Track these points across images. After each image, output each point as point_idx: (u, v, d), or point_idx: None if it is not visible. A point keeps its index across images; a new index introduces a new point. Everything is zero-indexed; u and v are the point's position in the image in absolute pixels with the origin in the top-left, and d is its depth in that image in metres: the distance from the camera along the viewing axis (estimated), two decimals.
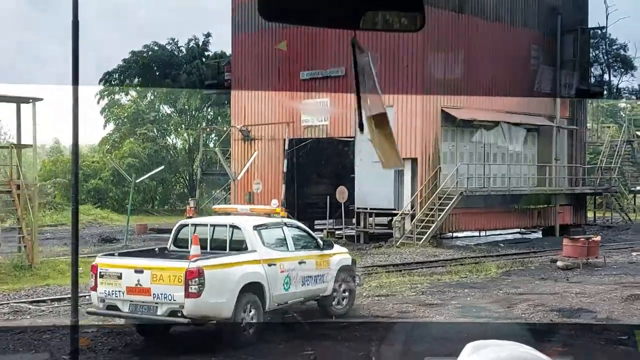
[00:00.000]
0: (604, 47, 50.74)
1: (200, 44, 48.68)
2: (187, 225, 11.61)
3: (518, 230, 30.08)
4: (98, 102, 50.35)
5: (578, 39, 30.52)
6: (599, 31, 43.54)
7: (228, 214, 12.20)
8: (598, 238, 18.83)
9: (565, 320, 11.88)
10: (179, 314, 9.57)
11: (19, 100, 20.08)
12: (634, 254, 21.31)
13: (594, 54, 43.67)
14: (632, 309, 12.43)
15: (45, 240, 26.93)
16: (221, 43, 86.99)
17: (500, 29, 28.17)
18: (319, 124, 28.56)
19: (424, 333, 11.01)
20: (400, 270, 17.97)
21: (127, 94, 51.49)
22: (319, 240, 11.94)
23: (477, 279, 16.44)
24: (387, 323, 11.54)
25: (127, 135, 48.75)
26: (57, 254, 22.15)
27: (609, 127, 43.41)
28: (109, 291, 10.08)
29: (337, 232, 27.65)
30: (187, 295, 9.44)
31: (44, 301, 14.24)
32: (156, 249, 11.82)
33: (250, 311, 10.15)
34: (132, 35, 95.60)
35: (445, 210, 24.53)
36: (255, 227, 10.84)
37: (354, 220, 27.26)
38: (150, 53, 47.78)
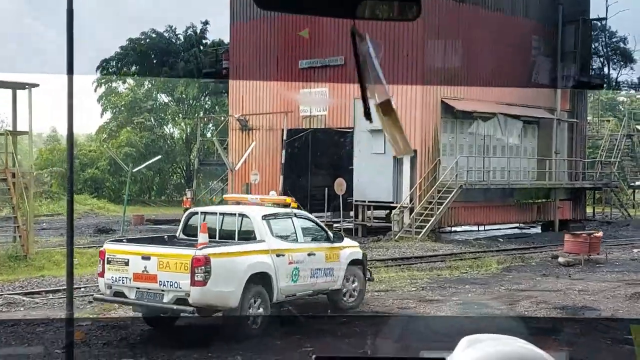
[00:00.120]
0: (604, 39, 50.47)
1: (198, 31, 48.30)
2: (196, 213, 11.52)
3: (517, 225, 29.90)
4: (95, 90, 50.04)
5: (579, 30, 30.25)
6: (599, 23, 43.23)
7: (239, 203, 12.11)
8: (600, 234, 18.63)
9: (560, 314, 11.75)
10: (185, 302, 9.46)
11: (14, 86, 19.77)
12: (635, 250, 21.13)
13: (593, 46, 43.37)
14: (636, 307, 12.25)
15: (41, 231, 26.68)
16: (219, 31, 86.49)
17: (500, 19, 27.90)
18: (318, 114, 28.31)
19: (419, 327, 10.95)
20: (400, 265, 17.77)
21: (124, 82, 51.13)
22: (329, 232, 11.77)
23: (477, 275, 16.25)
24: (382, 317, 11.40)
25: (124, 124, 48.45)
26: (53, 245, 21.93)
27: (609, 120, 43.20)
28: (116, 277, 9.99)
29: (334, 225, 27.39)
30: (193, 283, 9.33)
31: (38, 293, 14.02)
32: (165, 237, 11.79)
33: (256, 302, 10.03)
34: (129, 23, 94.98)
35: (444, 204, 24.31)
36: (264, 217, 10.72)
37: (351, 213, 27.03)
38: (147, 41, 47.39)
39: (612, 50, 51.45)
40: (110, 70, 48.53)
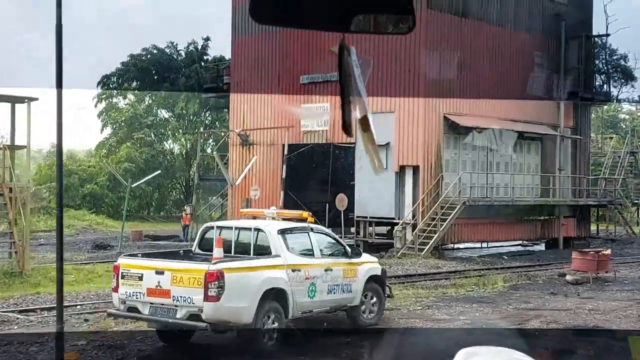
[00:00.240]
0: (604, 56, 50.38)
1: (199, 47, 48.18)
2: (212, 228, 11.40)
3: (520, 242, 29.53)
4: (95, 106, 49.86)
5: (583, 46, 30.08)
6: (599, 41, 43.12)
7: (255, 217, 11.95)
8: (608, 251, 18.25)
9: (557, 325, 11.43)
10: (198, 318, 9.30)
11: (13, 100, 19.47)
12: None
13: (595, 63, 43.22)
14: None
15: (38, 247, 26.32)
16: (220, 48, 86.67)
17: (503, 34, 27.71)
18: (319, 129, 28.03)
19: (416, 340, 10.72)
20: (403, 282, 17.39)
21: (124, 98, 50.97)
22: (347, 247, 11.57)
23: (484, 293, 15.87)
24: (380, 330, 11.11)
25: (124, 139, 48.23)
26: (49, 261, 21.51)
27: (611, 137, 42.97)
28: (130, 292, 9.85)
29: None
30: (207, 298, 9.17)
31: (33, 310, 13.63)
32: (181, 251, 11.74)
33: (271, 318, 9.86)
34: (131, 39, 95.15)
35: (447, 220, 23.96)
36: (280, 232, 10.58)
37: (352, 229, 26.66)
38: (149, 56, 47.27)
39: (612, 67, 51.34)
40: (111, 86, 48.37)
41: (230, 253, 10.60)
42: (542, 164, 29.75)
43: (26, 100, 19.09)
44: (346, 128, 1.96)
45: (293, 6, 1.89)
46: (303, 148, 28.65)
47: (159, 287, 9.52)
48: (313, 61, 27.61)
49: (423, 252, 23.16)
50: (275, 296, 9.92)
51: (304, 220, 11.54)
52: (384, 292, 11.96)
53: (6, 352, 10.44)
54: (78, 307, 13.99)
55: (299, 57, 28.17)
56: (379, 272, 11.90)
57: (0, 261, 19.20)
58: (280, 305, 9.98)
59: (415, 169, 25.21)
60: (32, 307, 13.93)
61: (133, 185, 31.73)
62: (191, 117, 51.54)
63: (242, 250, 10.73)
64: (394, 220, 25.44)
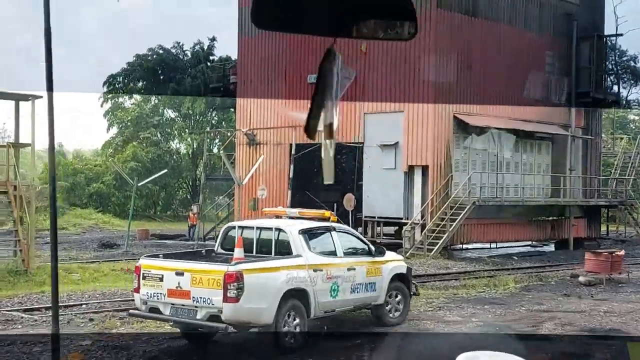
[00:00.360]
0: (614, 57, 49.98)
1: (205, 48, 47.97)
2: (234, 227, 11.38)
3: (529, 243, 29.21)
4: (102, 106, 49.75)
5: (594, 46, 29.72)
6: (612, 40, 42.70)
7: (278, 216, 11.85)
8: (622, 252, 17.92)
9: (558, 330, 11.25)
10: (218, 319, 9.29)
11: (17, 98, 19.28)
12: None
13: (606, 63, 42.82)
14: None
15: (44, 245, 26.13)
16: (226, 48, 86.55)
17: (514, 34, 27.38)
18: None
19: (416, 344, 10.62)
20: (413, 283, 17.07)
21: (130, 98, 50.84)
22: (370, 246, 11.49)
23: (495, 294, 15.58)
24: (379, 334, 10.91)
25: (130, 139, 48.10)
26: None
27: (621, 138, 42.57)
28: (151, 293, 9.87)
29: None
30: (226, 299, 9.14)
31: (38, 309, 13.43)
32: (203, 251, 11.75)
33: (293, 318, 9.82)
34: (136, 39, 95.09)
35: (457, 221, 23.68)
36: (302, 232, 10.53)
37: (360, 229, 26.36)
38: (155, 56, 47.09)
39: (622, 68, 50.94)
40: (117, 86, 48.21)
41: (252, 253, 10.58)
42: (553, 164, 29.42)
43: (30, 97, 18.88)
44: (309, 130, 1.96)
45: (295, 11, 1.88)
46: (310, 147, 28.38)
47: (179, 288, 9.53)
48: (320, 60, 27.32)
49: (432, 253, 22.89)
50: (296, 296, 9.87)
51: (326, 219, 11.40)
52: (410, 290, 11.92)
53: (9, 352, 10.23)
54: (83, 306, 13.79)
55: (306, 56, 27.91)
56: (404, 270, 11.85)
57: (5, 260, 19.03)
58: (302, 304, 9.93)
59: (425, 169, 24.92)
60: (37, 306, 13.74)
61: (139, 184, 31.56)
62: (197, 117, 51.39)
63: (264, 250, 10.72)
64: (402, 221, 25.18)
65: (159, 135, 49.79)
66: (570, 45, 29.52)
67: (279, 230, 10.67)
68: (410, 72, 24.93)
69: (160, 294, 9.72)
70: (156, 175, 36.01)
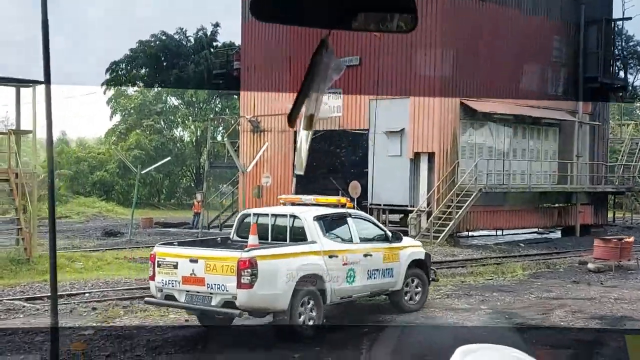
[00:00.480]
0: (620, 43, 49.46)
1: (209, 34, 47.64)
2: (249, 215, 11.39)
3: (535, 229, 28.96)
4: (104, 93, 49.47)
5: (602, 30, 29.32)
6: (617, 27, 42.24)
7: (294, 203, 11.84)
8: (631, 239, 17.69)
9: (556, 323, 11.11)
10: (233, 305, 9.33)
11: (19, 83, 19.02)
12: None
13: (614, 48, 42.36)
14: None
15: (46, 233, 25.94)
16: (230, 34, 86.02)
17: (522, 18, 27.00)
18: (332, 116, 27.49)
19: (413, 337, 10.53)
20: None
21: (134, 85, 50.57)
22: (387, 232, 11.51)
23: (503, 281, 15.37)
24: (378, 327, 10.76)
25: (133, 126, 47.89)
26: (57, 248, 21.13)
27: (628, 125, 42.20)
28: (166, 280, 9.93)
29: None
30: (240, 286, 9.20)
31: (40, 298, 13.28)
32: (218, 239, 11.78)
33: (308, 304, 9.83)
34: (139, 26, 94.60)
35: (463, 208, 23.45)
36: (316, 218, 10.52)
37: None
38: (157, 43, 46.80)
39: (629, 54, 50.46)
40: (120, 73, 47.96)
41: (267, 240, 10.60)
42: (560, 150, 29.11)
43: (31, 83, 18.61)
44: (291, 119, 1.96)
45: (294, 4, 1.87)
46: (316, 135, 28.10)
47: (193, 275, 9.58)
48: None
49: (438, 240, 22.68)
50: (312, 282, 9.89)
51: (342, 205, 11.39)
52: (428, 276, 11.89)
53: (10, 342, 10.07)
54: (86, 295, 13.63)
55: (311, 42, 27.57)
56: (422, 257, 11.83)
57: (7, 248, 18.87)
58: (318, 290, 9.94)
59: (431, 156, 24.66)
60: (39, 295, 13.59)
61: (142, 172, 31.37)
62: (201, 105, 51.11)
63: (280, 237, 10.73)
64: (408, 208, 24.96)
65: (162, 122, 49.55)
66: (578, 29, 29.14)
67: (294, 217, 10.70)
68: (417, 57, 24.59)
69: (175, 281, 9.77)
70: (160, 163, 35.84)
